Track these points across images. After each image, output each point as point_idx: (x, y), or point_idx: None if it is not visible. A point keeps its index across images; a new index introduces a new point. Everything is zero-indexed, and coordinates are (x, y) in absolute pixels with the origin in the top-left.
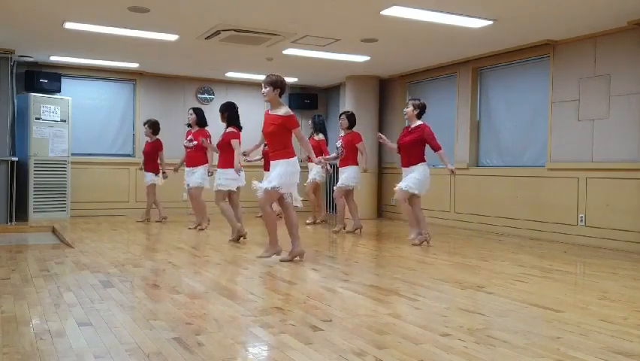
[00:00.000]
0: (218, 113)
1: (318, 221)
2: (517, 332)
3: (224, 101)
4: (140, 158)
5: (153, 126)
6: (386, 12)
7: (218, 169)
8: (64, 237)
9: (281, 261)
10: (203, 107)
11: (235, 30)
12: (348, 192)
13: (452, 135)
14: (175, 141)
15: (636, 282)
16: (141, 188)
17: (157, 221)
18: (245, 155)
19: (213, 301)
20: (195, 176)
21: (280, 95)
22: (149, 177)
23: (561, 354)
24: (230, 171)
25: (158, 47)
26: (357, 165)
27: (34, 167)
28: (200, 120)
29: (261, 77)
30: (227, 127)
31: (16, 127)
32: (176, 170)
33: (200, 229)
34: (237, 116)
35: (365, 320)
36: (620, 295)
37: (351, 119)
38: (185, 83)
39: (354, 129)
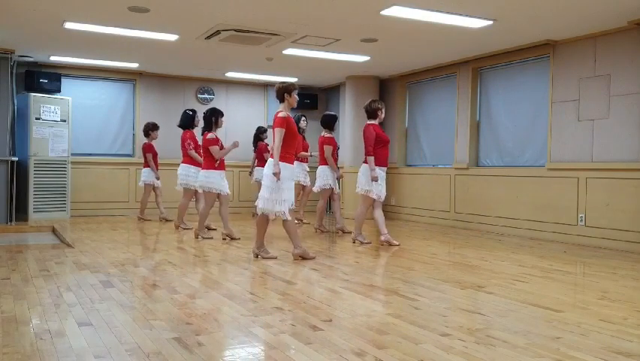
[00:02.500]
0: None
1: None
2: (517, 332)
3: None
4: (139, 158)
5: (145, 129)
6: (386, 12)
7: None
8: (64, 237)
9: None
10: (203, 107)
11: (235, 30)
12: (326, 193)
13: (452, 135)
14: (175, 141)
15: (636, 282)
16: (141, 188)
17: (139, 217)
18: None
19: (213, 301)
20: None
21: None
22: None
23: (561, 354)
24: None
25: (158, 46)
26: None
27: (34, 167)
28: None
29: (261, 77)
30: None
31: (16, 127)
32: None
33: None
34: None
35: (365, 320)
36: (620, 295)
37: (324, 120)
38: (185, 83)
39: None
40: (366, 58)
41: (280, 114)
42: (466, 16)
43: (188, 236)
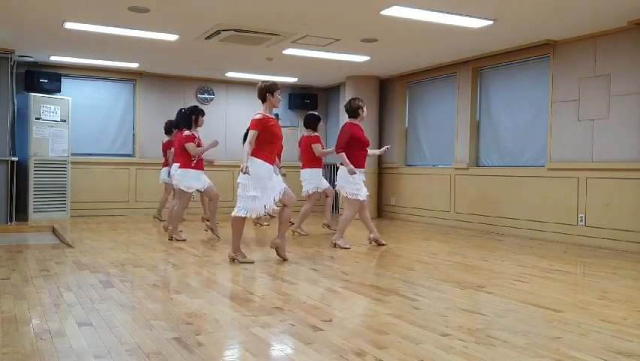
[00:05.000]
0: (220, 114)
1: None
2: (517, 332)
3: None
4: (139, 158)
5: (166, 127)
6: (386, 12)
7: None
8: (64, 237)
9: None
10: (203, 107)
11: (235, 30)
12: (314, 196)
13: (452, 135)
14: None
15: (636, 282)
16: (141, 188)
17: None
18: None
19: (213, 301)
20: None
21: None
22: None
23: (561, 354)
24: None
25: (158, 46)
26: (314, 167)
27: (34, 167)
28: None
29: (261, 77)
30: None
31: (16, 127)
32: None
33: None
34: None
35: (365, 320)
36: (620, 295)
37: (308, 120)
38: (185, 83)
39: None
40: (366, 58)
41: (256, 116)
42: (466, 16)
43: (189, 236)
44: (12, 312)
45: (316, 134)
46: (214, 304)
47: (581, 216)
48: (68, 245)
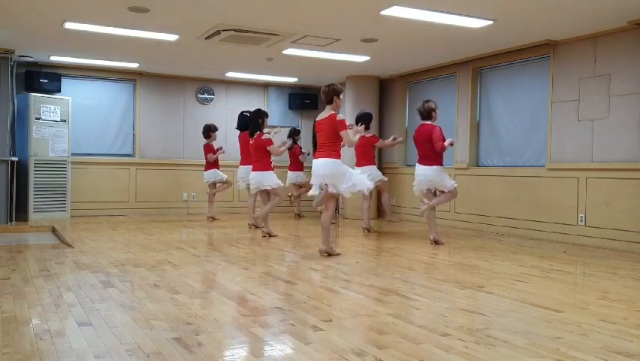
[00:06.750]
0: (220, 114)
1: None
2: (517, 332)
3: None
4: (140, 158)
5: (203, 131)
6: (386, 12)
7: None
8: (64, 237)
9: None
10: (203, 107)
11: (235, 30)
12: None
13: (452, 135)
14: (175, 141)
15: (636, 282)
16: (141, 188)
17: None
18: None
19: (213, 301)
20: None
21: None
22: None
23: (561, 354)
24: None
25: (158, 47)
26: (367, 165)
27: (34, 167)
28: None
29: (261, 77)
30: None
31: (16, 127)
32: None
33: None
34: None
35: (365, 320)
36: (620, 295)
37: (362, 119)
38: (185, 83)
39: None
40: (366, 58)
41: (339, 117)
42: (466, 16)
43: (189, 236)
44: (12, 312)
45: (373, 133)
46: (214, 304)
47: (581, 216)
48: (68, 245)
